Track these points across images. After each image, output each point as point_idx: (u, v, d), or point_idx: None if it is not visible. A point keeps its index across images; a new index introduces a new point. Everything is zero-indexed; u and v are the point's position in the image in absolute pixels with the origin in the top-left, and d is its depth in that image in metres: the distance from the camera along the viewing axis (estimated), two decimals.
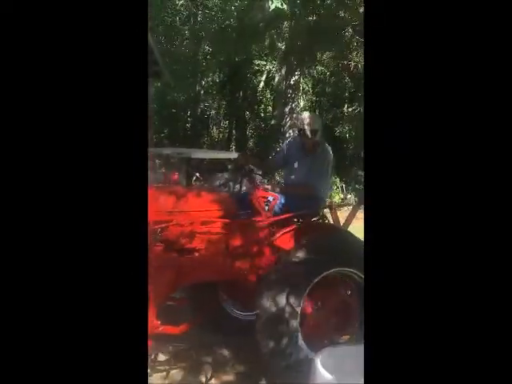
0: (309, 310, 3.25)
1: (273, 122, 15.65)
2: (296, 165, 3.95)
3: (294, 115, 13.56)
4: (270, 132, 15.77)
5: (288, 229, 3.50)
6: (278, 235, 3.45)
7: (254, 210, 3.52)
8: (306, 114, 4.15)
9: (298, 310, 3.06)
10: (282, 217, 3.57)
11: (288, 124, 13.89)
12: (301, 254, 3.18)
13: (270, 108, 17.30)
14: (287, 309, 3.02)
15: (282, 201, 3.72)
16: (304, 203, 3.72)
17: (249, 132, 18.92)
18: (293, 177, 3.95)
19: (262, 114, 18.44)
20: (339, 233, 3.61)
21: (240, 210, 3.54)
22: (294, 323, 3.06)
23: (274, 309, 3.03)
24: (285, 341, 3.05)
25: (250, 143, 18.20)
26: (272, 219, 3.52)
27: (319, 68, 16.27)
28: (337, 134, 15.35)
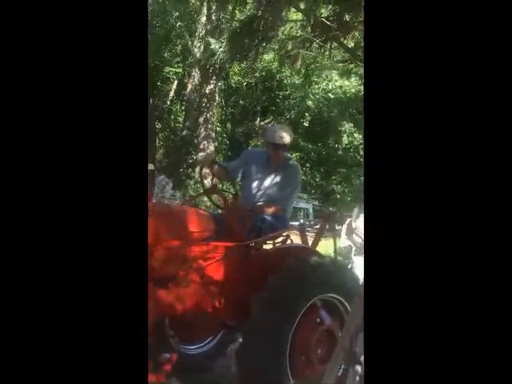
0: (299, 340, 2.90)
1: (184, 132, 14.98)
2: (267, 180, 3.64)
3: (210, 126, 13.01)
4: (182, 143, 15.10)
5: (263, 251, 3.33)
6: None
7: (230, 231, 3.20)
8: (277, 126, 4.17)
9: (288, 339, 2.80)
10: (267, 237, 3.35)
11: (202, 135, 13.25)
12: (284, 280, 2.85)
13: (181, 118, 16.60)
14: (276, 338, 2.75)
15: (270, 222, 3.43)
16: (278, 224, 3.47)
17: (158, 143, 18.07)
18: (259, 192, 3.62)
19: (172, 124, 17.69)
20: (318, 257, 3.28)
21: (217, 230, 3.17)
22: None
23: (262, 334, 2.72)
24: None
25: (159, 155, 17.35)
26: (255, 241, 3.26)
27: (235, 78, 15.88)
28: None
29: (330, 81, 11.76)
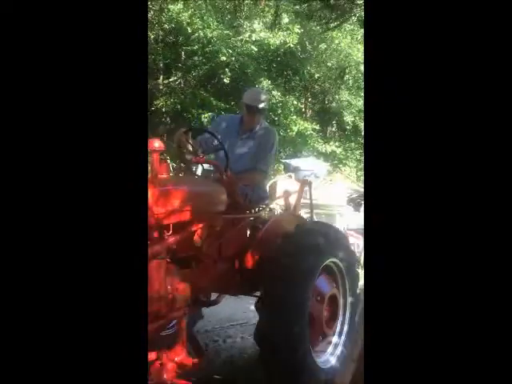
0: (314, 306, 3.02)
1: None
2: (242, 146, 3.53)
3: None
4: None
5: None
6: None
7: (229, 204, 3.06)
8: (255, 90, 4.20)
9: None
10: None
11: None
12: (290, 249, 2.92)
13: None
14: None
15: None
16: (263, 193, 3.50)
17: None
18: (237, 160, 3.42)
19: None
20: (315, 223, 3.62)
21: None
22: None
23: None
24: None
25: None
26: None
27: None
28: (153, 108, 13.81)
29: (253, 32, 10.78)
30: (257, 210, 3.49)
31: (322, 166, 10.01)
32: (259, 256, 3.15)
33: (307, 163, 9.45)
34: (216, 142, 3.45)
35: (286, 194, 3.76)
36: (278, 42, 10.94)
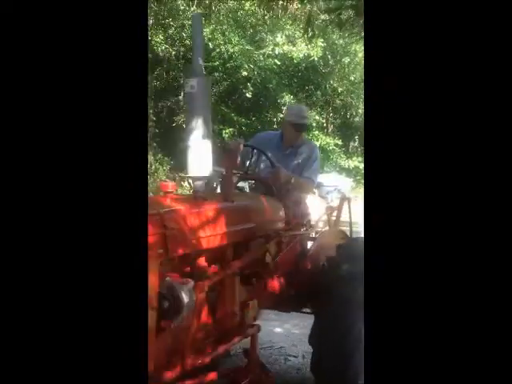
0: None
1: None
2: (285, 162, 3.52)
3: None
4: None
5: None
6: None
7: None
8: (297, 106, 4.16)
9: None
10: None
11: None
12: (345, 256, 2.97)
13: None
14: None
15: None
16: (303, 209, 3.48)
17: None
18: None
19: None
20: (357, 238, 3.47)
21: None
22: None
23: None
24: None
25: None
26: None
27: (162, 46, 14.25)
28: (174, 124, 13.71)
29: (276, 45, 10.57)
30: (305, 226, 3.44)
31: (345, 182, 9.79)
32: (312, 271, 3.15)
33: (330, 179, 9.23)
34: (254, 157, 3.49)
35: (329, 210, 3.75)
36: (301, 56, 10.73)
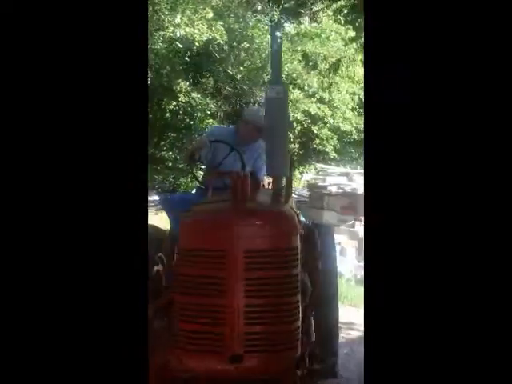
0: None
1: None
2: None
3: None
4: None
5: None
6: None
7: None
8: (259, 108, 4.17)
9: None
10: None
11: None
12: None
13: None
14: None
15: None
16: None
17: None
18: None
19: None
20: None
21: None
22: None
23: None
24: None
25: None
26: None
27: None
28: None
29: (177, 26, 9.68)
30: None
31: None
32: None
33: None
34: (210, 154, 3.65)
35: None
36: (204, 39, 9.98)
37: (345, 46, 12.73)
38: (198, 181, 3.85)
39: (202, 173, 4.27)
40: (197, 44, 10.12)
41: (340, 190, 9.13)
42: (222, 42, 10.63)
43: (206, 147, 3.57)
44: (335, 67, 10.36)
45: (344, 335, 4.64)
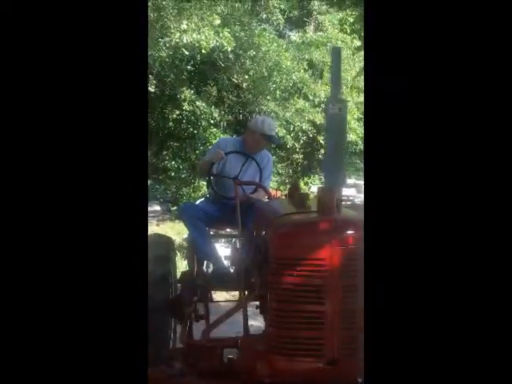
0: None
1: None
2: (246, 168, 3.91)
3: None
4: None
5: None
6: None
7: None
8: (266, 117, 4.39)
9: None
10: None
11: None
12: None
13: None
14: None
15: None
16: None
17: None
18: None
19: None
20: None
21: None
22: None
23: None
24: None
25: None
26: None
27: None
28: None
29: (184, 32, 9.40)
30: None
31: None
32: None
33: None
34: (220, 165, 3.97)
35: None
36: (211, 45, 9.71)
37: (353, 55, 12.51)
38: (216, 191, 3.96)
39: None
40: (203, 51, 9.83)
41: (349, 203, 8.89)
42: (228, 50, 10.35)
43: (222, 159, 3.84)
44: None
45: None
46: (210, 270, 3.80)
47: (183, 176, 13.74)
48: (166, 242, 3.68)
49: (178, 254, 7.26)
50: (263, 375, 2.29)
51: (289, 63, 12.63)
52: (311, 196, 2.97)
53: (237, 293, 3.90)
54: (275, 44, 12.76)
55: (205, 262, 3.96)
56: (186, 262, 6.62)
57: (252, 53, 11.95)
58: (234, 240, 5.47)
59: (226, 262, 3.97)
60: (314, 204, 2.42)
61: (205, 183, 9.97)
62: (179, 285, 3.61)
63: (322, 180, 14.20)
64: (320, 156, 15.53)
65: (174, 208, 14.17)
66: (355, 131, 14.56)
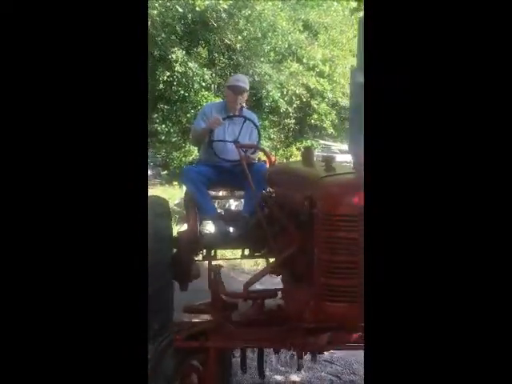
0: None
1: None
2: (233, 129, 3.99)
3: None
4: None
5: None
6: None
7: None
8: (237, 74, 4.90)
9: None
10: None
11: None
12: None
13: None
14: None
15: None
16: None
17: None
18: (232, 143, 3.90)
19: None
20: None
21: None
22: None
23: None
24: None
25: None
26: None
27: None
28: None
29: None
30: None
31: None
32: None
33: None
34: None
35: None
36: (206, 2, 9.25)
37: (351, 15, 12.09)
38: (218, 156, 4.00)
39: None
40: (197, 8, 9.38)
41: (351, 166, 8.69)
42: (224, 8, 9.89)
43: (221, 124, 3.91)
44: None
45: None
46: (212, 230, 3.82)
47: (174, 140, 13.41)
48: (163, 203, 3.75)
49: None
50: (310, 321, 2.45)
51: (284, 24, 12.21)
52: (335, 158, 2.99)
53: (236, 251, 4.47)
54: (270, 3, 12.29)
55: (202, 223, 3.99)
56: (178, 226, 6.55)
57: (247, 11, 11.48)
58: (228, 202, 5.78)
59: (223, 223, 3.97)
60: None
61: (196, 148, 9.73)
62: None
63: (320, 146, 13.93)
64: (312, 121, 15.25)
65: (165, 172, 13.89)
66: (349, 96, 14.27)
